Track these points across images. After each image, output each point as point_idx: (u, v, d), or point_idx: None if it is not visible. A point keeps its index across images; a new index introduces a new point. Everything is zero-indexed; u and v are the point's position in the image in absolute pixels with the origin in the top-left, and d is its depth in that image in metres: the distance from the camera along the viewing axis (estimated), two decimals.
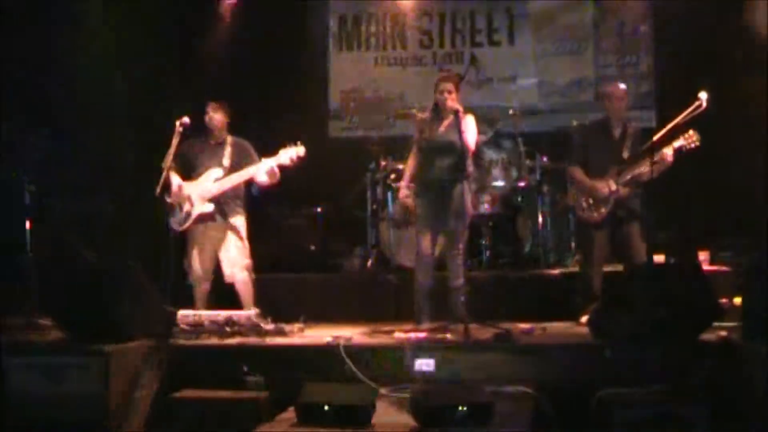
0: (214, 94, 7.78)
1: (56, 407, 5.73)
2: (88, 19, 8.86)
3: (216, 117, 7.45)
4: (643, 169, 6.98)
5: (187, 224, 7.33)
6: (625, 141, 7.20)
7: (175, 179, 7.34)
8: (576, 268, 8.02)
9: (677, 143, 6.91)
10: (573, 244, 8.93)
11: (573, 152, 7.57)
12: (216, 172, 7.34)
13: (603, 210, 7.16)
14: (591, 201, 7.22)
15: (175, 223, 7.34)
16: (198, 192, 7.30)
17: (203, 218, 7.34)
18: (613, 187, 7.10)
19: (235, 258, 7.37)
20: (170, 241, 7.12)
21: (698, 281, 6.13)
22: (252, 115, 8.86)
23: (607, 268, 7.37)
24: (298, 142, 7.25)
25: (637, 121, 7.64)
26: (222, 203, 7.37)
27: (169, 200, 7.32)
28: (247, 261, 7.41)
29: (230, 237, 7.38)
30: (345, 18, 10.65)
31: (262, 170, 7.27)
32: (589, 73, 10.15)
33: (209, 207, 7.30)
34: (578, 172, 7.35)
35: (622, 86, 7.48)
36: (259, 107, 9.61)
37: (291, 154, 7.23)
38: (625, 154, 7.14)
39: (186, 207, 7.31)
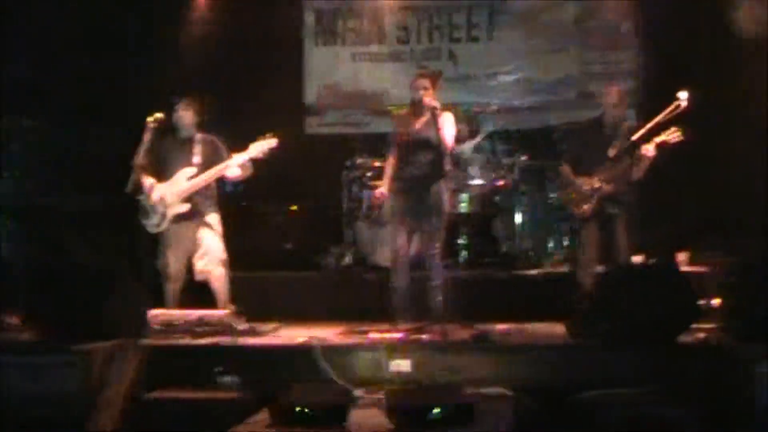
0: (188, 89, 7.67)
1: (33, 406, 5.62)
2: (61, 12, 8.74)
3: (186, 115, 7.35)
4: (628, 165, 6.95)
5: (164, 226, 7.24)
6: (615, 139, 7.16)
7: (148, 181, 7.24)
8: (555, 268, 7.98)
9: (659, 138, 6.90)
10: (552, 244, 8.90)
11: (567, 151, 7.61)
12: (188, 170, 7.25)
13: (585, 207, 7.14)
14: (574, 197, 7.21)
15: (151, 226, 7.25)
16: (172, 192, 7.21)
17: (178, 218, 7.24)
18: (596, 184, 7.08)
19: (210, 254, 7.27)
20: (143, 240, 7.00)
21: (678, 282, 6.10)
22: (227, 111, 8.78)
23: None
24: (269, 134, 7.16)
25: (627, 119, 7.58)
26: (196, 202, 7.28)
27: (142, 202, 7.22)
28: (223, 256, 7.31)
29: (205, 235, 7.28)
30: (322, 13, 10.56)
31: (234, 165, 7.19)
32: (571, 71, 10.09)
33: (185, 207, 7.22)
34: (565, 169, 7.37)
35: (618, 87, 7.47)
36: (235, 103, 9.49)
37: (262, 147, 7.16)
38: (611, 152, 7.11)
39: (161, 208, 7.22)
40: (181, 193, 7.21)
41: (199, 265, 7.25)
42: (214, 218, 7.35)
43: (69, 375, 5.67)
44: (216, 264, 7.26)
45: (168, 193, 7.21)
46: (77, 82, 8.84)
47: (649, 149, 6.89)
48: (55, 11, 8.72)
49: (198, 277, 7.29)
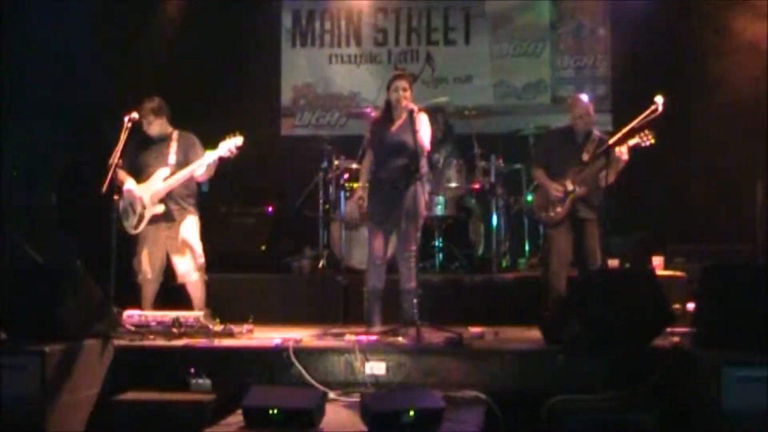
0: (162, 89, 7.60)
1: None
2: (34, 9, 8.67)
3: (152, 123, 7.28)
4: (600, 169, 6.97)
5: (141, 227, 7.20)
6: (586, 146, 7.22)
7: (128, 182, 7.19)
8: (529, 272, 7.98)
9: (632, 141, 6.93)
10: (527, 248, 8.91)
11: (538, 154, 7.62)
12: (164, 171, 7.21)
13: (559, 209, 7.18)
14: (548, 201, 7.23)
15: (129, 227, 7.21)
16: (149, 193, 7.17)
17: (156, 219, 7.20)
18: (570, 187, 7.11)
19: (188, 259, 7.24)
20: (116, 240, 6.94)
21: (651, 287, 6.11)
22: (202, 112, 8.74)
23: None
24: (236, 132, 7.14)
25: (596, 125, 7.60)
26: (173, 202, 7.23)
27: (122, 204, 7.18)
28: (200, 261, 7.28)
29: (182, 237, 7.24)
30: (299, 14, 10.55)
31: (203, 165, 7.15)
32: (545, 76, 10.13)
33: (161, 208, 7.18)
34: (539, 173, 7.41)
35: (585, 99, 7.45)
36: (211, 104, 9.47)
37: (229, 145, 7.12)
38: (585, 157, 7.16)
39: (138, 209, 7.18)
40: (157, 194, 7.17)
41: (180, 268, 7.23)
42: (192, 219, 7.31)
43: (23, 377, 5.54)
44: (193, 270, 7.24)
45: (145, 194, 7.17)
46: (48, 80, 8.76)
47: (623, 152, 6.92)
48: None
49: (179, 280, 7.26)
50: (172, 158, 7.25)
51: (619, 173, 7.01)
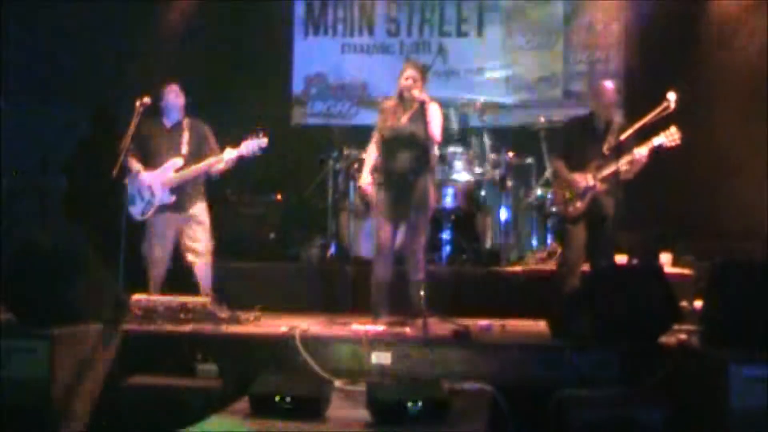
0: (174, 76, 7.60)
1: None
2: None
3: (176, 101, 7.30)
4: (622, 165, 6.92)
5: (149, 214, 7.20)
6: (608, 137, 7.09)
7: (136, 166, 7.19)
8: (537, 266, 7.95)
9: (657, 140, 6.84)
10: (535, 241, 8.89)
11: (557, 146, 7.55)
12: (177, 161, 7.19)
13: (579, 204, 7.07)
14: (568, 195, 7.15)
15: (136, 213, 7.21)
16: (159, 182, 7.16)
17: (164, 207, 7.20)
18: (591, 182, 7.03)
19: (198, 244, 7.26)
20: (124, 224, 6.95)
21: (660, 284, 6.10)
22: (213, 100, 8.74)
23: None
24: (261, 133, 7.10)
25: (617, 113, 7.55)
26: (183, 192, 7.23)
27: (128, 189, 7.18)
28: (210, 247, 7.31)
29: (192, 224, 7.25)
30: (312, 3, 10.54)
31: (222, 162, 7.15)
32: (558, 69, 10.10)
33: (171, 198, 7.18)
34: (560, 165, 7.29)
35: (611, 86, 7.36)
36: (221, 92, 9.46)
37: (252, 146, 7.10)
38: (606, 150, 7.06)
39: (147, 196, 7.18)
40: (168, 183, 7.16)
41: (189, 254, 7.24)
42: (201, 207, 7.32)
43: (31, 360, 5.58)
44: (203, 255, 7.25)
45: (155, 182, 7.16)
46: (64, 65, 8.78)
47: (642, 154, 6.85)
48: None
49: (188, 264, 7.27)
50: (185, 148, 7.24)
51: (638, 172, 6.95)
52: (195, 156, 7.23)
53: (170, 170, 7.18)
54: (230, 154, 7.14)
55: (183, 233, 7.26)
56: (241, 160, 7.22)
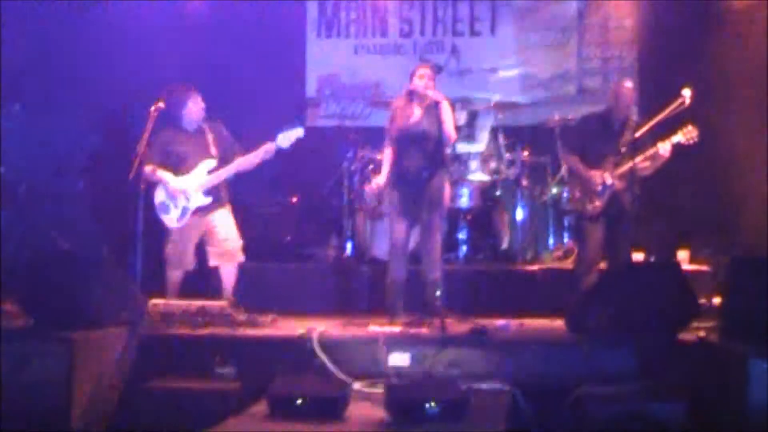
0: (188, 79, 7.61)
1: (18, 396, 5.54)
2: None
3: (197, 108, 7.28)
4: (639, 162, 6.89)
5: (185, 219, 7.17)
6: (624, 134, 7.08)
7: (164, 176, 7.15)
8: (554, 264, 7.94)
9: (675, 138, 6.83)
10: (551, 240, 8.88)
11: (571, 140, 7.53)
12: (209, 163, 7.18)
13: (597, 203, 7.06)
14: (585, 192, 7.12)
15: (170, 221, 7.18)
16: (194, 185, 7.14)
17: (197, 210, 7.18)
18: (609, 180, 7.01)
19: (229, 243, 7.25)
20: (140, 228, 6.95)
21: (678, 279, 6.09)
22: (227, 102, 8.74)
23: None
24: (296, 125, 7.10)
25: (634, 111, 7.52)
26: (217, 192, 7.25)
27: (159, 197, 7.16)
28: (240, 243, 7.30)
29: (220, 224, 7.25)
30: (325, 4, 10.53)
31: (259, 156, 7.11)
32: (571, 67, 10.07)
33: (207, 200, 7.17)
34: (574, 161, 7.27)
35: (630, 86, 7.35)
36: (235, 93, 9.46)
37: (290, 137, 7.05)
38: (623, 148, 7.03)
39: (182, 202, 7.15)
40: (203, 186, 7.15)
41: (215, 258, 7.25)
42: (226, 209, 7.32)
43: (50, 364, 5.58)
44: (234, 254, 7.26)
45: (190, 186, 7.14)
46: (76, 70, 8.81)
47: (666, 149, 6.83)
48: None
49: (211, 264, 7.26)
50: (213, 150, 7.23)
51: (659, 167, 6.93)
52: (223, 156, 7.22)
53: (204, 172, 7.17)
54: (271, 147, 7.07)
55: (211, 234, 7.24)
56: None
